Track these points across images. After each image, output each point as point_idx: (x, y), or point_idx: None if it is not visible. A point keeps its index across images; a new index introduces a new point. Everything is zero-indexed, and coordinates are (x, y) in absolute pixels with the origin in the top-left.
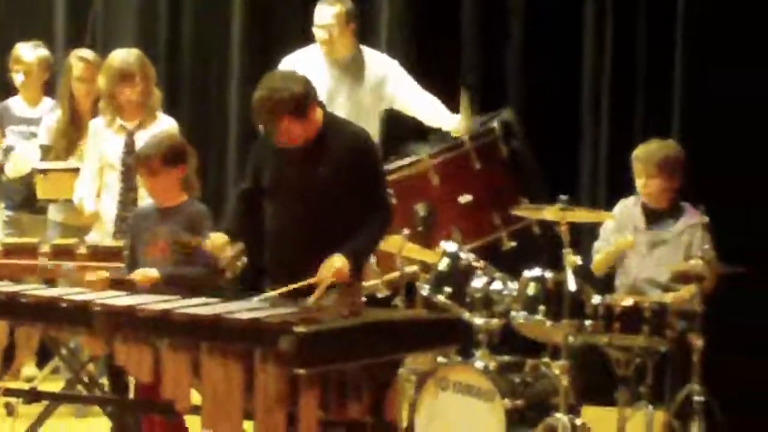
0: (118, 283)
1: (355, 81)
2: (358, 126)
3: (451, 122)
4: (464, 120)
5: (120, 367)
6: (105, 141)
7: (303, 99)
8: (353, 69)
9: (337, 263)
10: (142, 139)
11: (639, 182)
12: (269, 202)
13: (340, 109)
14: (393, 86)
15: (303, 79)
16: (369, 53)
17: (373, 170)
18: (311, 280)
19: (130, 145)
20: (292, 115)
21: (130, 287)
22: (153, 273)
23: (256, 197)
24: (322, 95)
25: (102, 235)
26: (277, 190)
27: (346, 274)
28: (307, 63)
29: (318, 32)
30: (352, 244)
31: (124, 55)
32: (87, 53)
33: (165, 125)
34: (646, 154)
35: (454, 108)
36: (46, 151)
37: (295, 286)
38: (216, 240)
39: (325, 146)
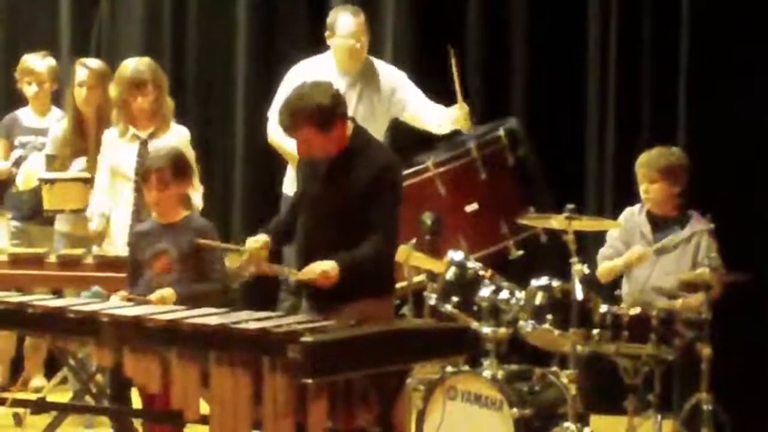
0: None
1: (366, 89)
2: (389, 153)
3: (452, 114)
4: (461, 107)
5: (124, 379)
6: (117, 151)
7: (328, 111)
8: (364, 78)
9: (326, 266)
10: (155, 148)
11: (641, 188)
12: (298, 215)
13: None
14: (403, 96)
15: (333, 92)
16: (378, 63)
17: (390, 201)
18: (297, 273)
19: (143, 155)
20: (313, 126)
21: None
22: (170, 296)
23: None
24: None
25: (108, 247)
26: (301, 204)
27: (330, 279)
28: (317, 72)
29: (348, 41)
30: (349, 256)
31: (136, 64)
32: (90, 61)
33: (178, 134)
34: (648, 160)
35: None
36: (51, 161)
37: (274, 272)
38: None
39: (351, 166)
